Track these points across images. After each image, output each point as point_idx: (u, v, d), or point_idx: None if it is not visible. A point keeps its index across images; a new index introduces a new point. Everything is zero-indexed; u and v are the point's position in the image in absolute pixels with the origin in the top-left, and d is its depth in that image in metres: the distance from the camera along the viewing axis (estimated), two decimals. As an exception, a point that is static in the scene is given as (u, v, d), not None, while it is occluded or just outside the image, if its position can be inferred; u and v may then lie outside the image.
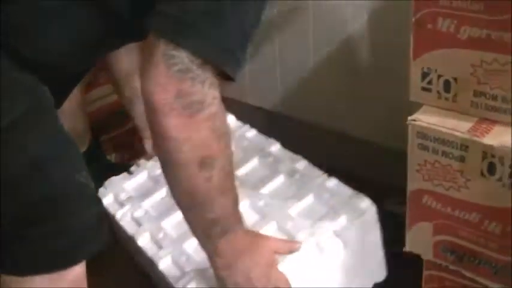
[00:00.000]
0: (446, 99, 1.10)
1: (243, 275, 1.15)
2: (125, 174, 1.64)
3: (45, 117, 1.04)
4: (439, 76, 1.09)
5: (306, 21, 1.78)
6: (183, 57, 0.94)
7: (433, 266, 1.27)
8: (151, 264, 1.36)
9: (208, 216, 1.08)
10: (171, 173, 1.05)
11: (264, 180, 1.43)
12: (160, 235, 1.39)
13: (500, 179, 1.04)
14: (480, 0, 0.99)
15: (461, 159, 1.07)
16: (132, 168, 1.66)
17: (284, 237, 1.26)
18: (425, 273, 1.31)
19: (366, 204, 1.32)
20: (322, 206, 1.32)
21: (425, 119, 1.10)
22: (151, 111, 0.97)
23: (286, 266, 1.21)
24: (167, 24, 0.95)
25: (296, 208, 1.33)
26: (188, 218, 1.12)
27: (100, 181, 1.52)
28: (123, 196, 1.55)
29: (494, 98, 1.04)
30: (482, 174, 1.06)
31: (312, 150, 1.80)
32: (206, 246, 1.15)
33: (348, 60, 1.77)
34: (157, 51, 0.95)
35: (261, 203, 1.36)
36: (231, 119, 1.65)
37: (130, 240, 1.45)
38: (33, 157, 0.99)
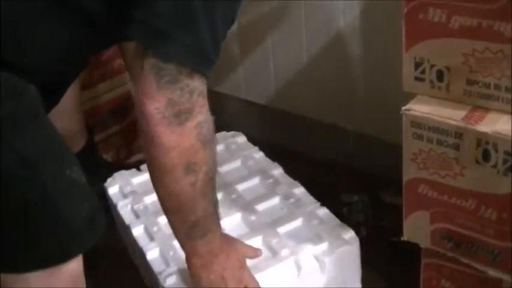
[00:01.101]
0: (440, 88, 1.11)
1: (217, 274, 1.23)
2: (133, 170, 1.70)
3: (35, 117, 1.06)
4: (432, 66, 1.10)
5: (298, 17, 1.78)
6: (171, 68, 1.00)
7: (431, 254, 1.28)
8: (141, 254, 1.42)
9: (190, 218, 1.14)
10: (158, 176, 1.11)
11: (260, 198, 1.52)
12: (154, 229, 1.46)
13: (495, 166, 1.05)
14: (470, -11, 1.01)
15: (456, 147, 1.08)
16: (142, 167, 1.70)
17: (267, 252, 1.34)
18: (423, 261, 1.32)
19: (350, 235, 1.38)
20: (309, 231, 1.40)
21: (419, 108, 1.11)
22: (143, 119, 1.03)
23: (264, 277, 1.28)
24: (146, 34, 0.99)
25: (284, 228, 1.41)
26: (171, 219, 1.18)
27: (95, 180, 1.53)
28: (128, 189, 1.62)
29: (487, 85, 1.05)
30: (477, 161, 1.07)
31: (305, 144, 1.82)
32: (186, 246, 1.22)
33: (340, 54, 1.77)
34: (146, 64, 1.00)
35: (252, 218, 1.45)
36: (242, 139, 1.75)
37: (127, 230, 1.51)
38: (23, 156, 1.01)
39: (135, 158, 2.08)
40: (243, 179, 1.59)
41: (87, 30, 1.09)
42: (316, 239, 1.36)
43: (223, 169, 1.63)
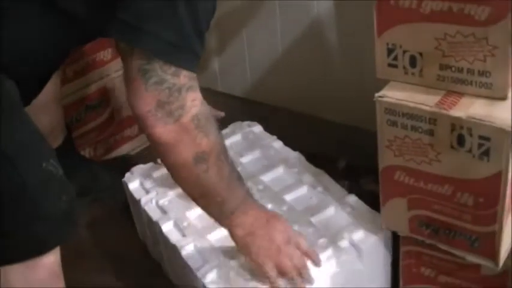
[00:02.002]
0: (413, 74, 1.10)
1: (264, 238, 1.22)
2: (151, 164, 1.67)
3: (10, 110, 1.06)
4: (404, 51, 1.09)
5: (272, 6, 1.77)
6: (156, 69, 1.02)
7: (410, 242, 1.28)
8: (173, 251, 1.39)
9: (216, 199, 1.18)
10: (173, 172, 1.16)
11: (288, 188, 1.49)
12: (185, 224, 1.42)
13: (470, 151, 1.04)
14: (440, -27, 1.00)
15: (431, 132, 1.07)
16: (159, 160, 1.67)
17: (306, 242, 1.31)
18: (402, 249, 1.32)
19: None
20: (342, 219, 1.38)
21: (392, 94, 1.10)
22: (140, 122, 1.07)
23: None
24: (127, 34, 1.02)
25: (317, 217, 1.39)
26: (201, 206, 1.23)
27: (73, 176, 1.51)
28: (149, 184, 1.59)
29: (459, 70, 1.05)
30: (452, 146, 1.06)
31: (283, 134, 1.81)
32: (224, 224, 1.24)
33: (316, 43, 1.77)
34: (133, 66, 1.03)
35: (284, 208, 1.43)
36: (259, 129, 1.73)
37: (153, 226, 1.48)
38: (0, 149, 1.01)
39: (113, 154, 2.07)
40: (267, 169, 1.56)
41: (61, 26, 1.10)
42: (352, 226, 1.34)
43: (244, 160, 1.62)
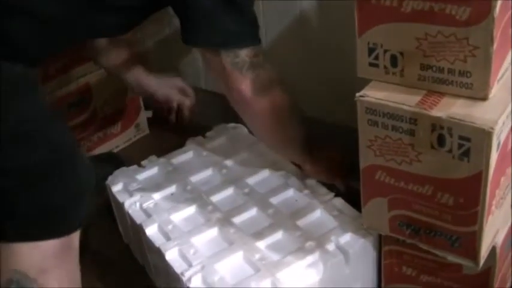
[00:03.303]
0: (394, 73, 1.10)
1: (322, 163, 1.50)
2: (135, 166, 1.66)
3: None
4: (385, 51, 1.08)
5: (255, 4, 1.76)
6: (244, 58, 1.27)
7: (391, 241, 1.28)
8: (157, 254, 1.38)
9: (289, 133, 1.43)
10: (265, 121, 1.38)
11: (274, 191, 1.50)
12: (169, 227, 1.41)
13: (450, 151, 1.04)
14: (421, -27, 0.99)
15: (411, 132, 1.07)
16: (143, 162, 1.68)
17: (291, 245, 1.33)
18: (383, 248, 1.32)
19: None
20: (329, 222, 1.38)
21: (373, 94, 1.09)
22: (242, 104, 1.34)
23: (291, 272, 1.26)
24: (219, 39, 1.27)
25: (304, 220, 1.39)
26: (276, 140, 1.47)
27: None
28: (133, 186, 1.57)
29: (440, 70, 1.04)
30: (432, 146, 1.06)
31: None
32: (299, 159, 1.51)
33: (300, 41, 1.76)
34: (224, 64, 1.28)
35: (270, 211, 1.43)
36: (244, 131, 1.75)
37: (137, 230, 1.47)
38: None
39: (96, 152, 2.06)
40: (252, 172, 1.56)
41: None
42: (338, 229, 1.34)
43: (229, 162, 1.62)
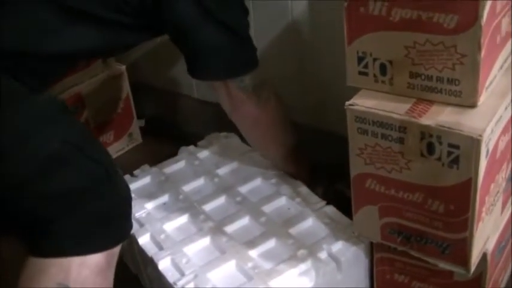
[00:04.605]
0: (383, 82, 1.10)
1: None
2: (128, 176, 1.66)
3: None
4: (375, 59, 1.09)
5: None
6: (246, 82, 1.37)
7: (383, 249, 1.29)
8: (150, 264, 1.38)
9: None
10: (264, 131, 1.49)
11: (266, 200, 1.50)
12: (162, 236, 1.42)
13: (439, 159, 1.05)
14: (409, -18, 1.00)
15: (401, 140, 1.07)
16: (136, 172, 1.68)
17: (283, 254, 1.33)
18: (375, 255, 1.32)
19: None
20: (321, 230, 1.39)
21: (362, 103, 1.10)
22: (247, 119, 1.46)
23: (284, 280, 1.27)
24: (227, 71, 1.36)
25: (296, 229, 1.40)
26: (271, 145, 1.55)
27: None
28: None
29: (429, 78, 1.05)
30: (422, 154, 1.07)
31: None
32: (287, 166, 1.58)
33: (291, 49, 1.76)
34: (231, 89, 1.38)
35: (262, 220, 1.43)
36: (236, 140, 1.76)
37: (128, 239, 1.45)
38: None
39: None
40: (245, 180, 1.57)
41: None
42: (330, 237, 1.34)
43: (221, 171, 1.63)
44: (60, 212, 1.09)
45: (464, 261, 1.14)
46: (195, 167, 1.67)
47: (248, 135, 1.56)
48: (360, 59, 1.10)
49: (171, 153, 1.75)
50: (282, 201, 1.50)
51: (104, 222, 1.14)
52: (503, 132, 1.10)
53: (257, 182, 1.58)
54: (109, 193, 1.15)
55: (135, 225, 1.47)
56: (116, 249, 1.17)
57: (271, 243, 1.36)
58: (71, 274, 1.10)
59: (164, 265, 1.34)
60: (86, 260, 1.11)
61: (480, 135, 0.99)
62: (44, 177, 1.08)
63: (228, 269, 1.31)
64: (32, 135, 1.08)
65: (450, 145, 1.02)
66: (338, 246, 1.32)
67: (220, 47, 1.31)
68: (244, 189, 1.55)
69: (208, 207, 1.50)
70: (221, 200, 1.52)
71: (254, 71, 1.37)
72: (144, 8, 1.26)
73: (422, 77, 1.05)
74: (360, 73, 1.12)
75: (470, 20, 0.96)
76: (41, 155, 1.08)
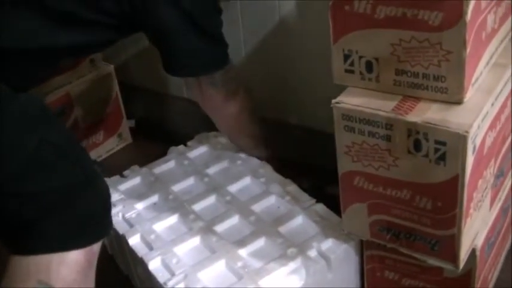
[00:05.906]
0: (370, 79, 1.10)
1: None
2: (117, 177, 1.66)
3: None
4: (361, 57, 1.09)
5: (234, 12, 1.77)
6: (217, 77, 1.48)
7: (372, 246, 1.29)
8: (140, 264, 1.38)
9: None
10: (232, 121, 1.61)
11: (255, 198, 1.50)
12: (152, 237, 1.41)
13: (426, 155, 1.05)
14: (393, -21, 1.00)
15: (388, 138, 1.07)
16: (126, 172, 1.68)
17: (273, 252, 1.33)
18: (365, 253, 1.32)
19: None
20: (311, 228, 1.38)
21: (349, 100, 1.10)
22: (216, 110, 1.59)
23: (274, 279, 1.27)
24: (199, 68, 1.47)
25: (286, 227, 1.40)
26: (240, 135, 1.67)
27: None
28: (115, 197, 1.57)
29: (415, 75, 1.05)
30: (409, 151, 1.07)
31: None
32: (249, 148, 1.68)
33: (280, 49, 1.76)
34: (202, 84, 1.51)
35: (251, 219, 1.43)
36: (225, 139, 1.75)
37: (120, 240, 1.47)
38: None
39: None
40: (234, 179, 1.57)
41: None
42: (320, 236, 1.34)
43: (210, 171, 1.63)
44: (38, 212, 1.09)
45: (453, 257, 1.14)
46: (185, 166, 1.67)
47: (218, 125, 1.67)
48: (346, 57, 1.10)
49: (161, 154, 1.75)
50: (271, 200, 1.49)
51: (83, 221, 1.14)
52: (490, 128, 1.10)
53: (246, 181, 1.58)
54: (88, 193, 1.15)
55: (125, 226, 1.47)
56: (96, 248, 1.17)
57: (261, 242, 1.36)
58: (51, 272, 1.10)
59: (154, 265, 1.34)
60: (65, 257, 1.11)
61: (466, 132, 0.99)
62: (23, 178, 1.08)
63: (218, 269, 1.31)
64: (12, 136, 1.08)
65: (437, 142, 1.02)
66: (328, 244, 1.32)
67: (197, 49, 1.41)
68: (233, 188, 1.55)
69: (198, 206, 1.49)
70: (211, 200, 1.51)
71: (225, 67, 1.48)
72: (124, 11, 1.31)
73: (409, 74, 1.05)
74: (346, 71, 1.12)
75: (455, 17, 0.96)
76: (20, 156, 1.08)
